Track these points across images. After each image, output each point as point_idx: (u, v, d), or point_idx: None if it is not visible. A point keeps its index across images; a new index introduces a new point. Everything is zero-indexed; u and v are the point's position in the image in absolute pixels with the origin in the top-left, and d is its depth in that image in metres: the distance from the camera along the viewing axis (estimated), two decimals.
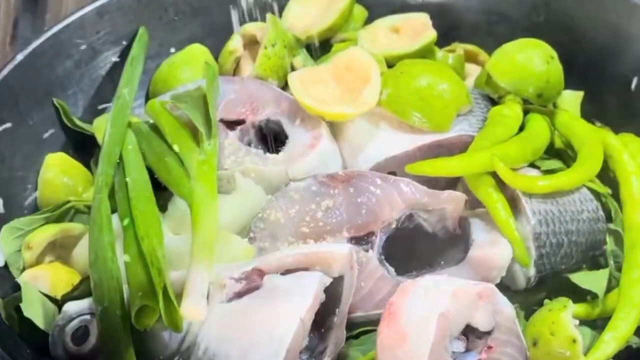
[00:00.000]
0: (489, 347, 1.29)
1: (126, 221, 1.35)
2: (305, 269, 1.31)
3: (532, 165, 1.48)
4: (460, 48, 1.66)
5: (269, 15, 1.60)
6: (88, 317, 1.34)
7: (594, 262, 1.48)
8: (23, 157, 1.52)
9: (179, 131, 1.44)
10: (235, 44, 1.62)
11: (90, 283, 1.33)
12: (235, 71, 1.63)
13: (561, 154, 1.52)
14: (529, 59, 1.52)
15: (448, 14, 1.68)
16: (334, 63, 1.51)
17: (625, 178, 1.45)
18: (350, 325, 1.38)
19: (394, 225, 1.40)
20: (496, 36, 1.65)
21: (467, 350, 1.30)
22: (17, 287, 1.42)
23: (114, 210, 1.39)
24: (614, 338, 1.35)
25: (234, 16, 1.64)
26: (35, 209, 1.52)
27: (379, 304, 1.37)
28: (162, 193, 1.42)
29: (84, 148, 1.58)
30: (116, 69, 1.61)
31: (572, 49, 1.61)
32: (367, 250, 1.39)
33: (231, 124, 1.50)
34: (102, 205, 1.38)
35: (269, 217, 1.41)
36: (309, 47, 1.64)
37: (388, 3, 1.68)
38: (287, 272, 1.32)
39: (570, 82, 1.58)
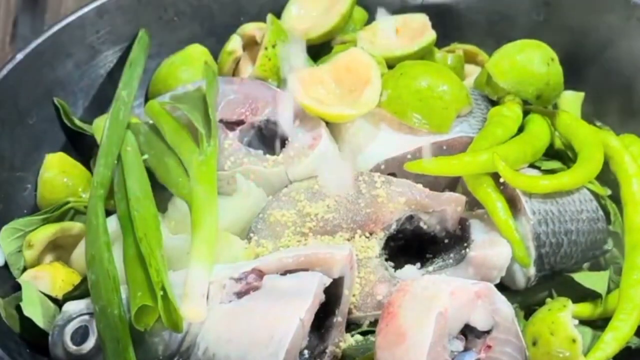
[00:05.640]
0: (488, 347, 1.29)
1: (125, 222, 1.35)
2: (305, 270, 1.31)
3: (532, 165, 1.48)
4: (459, 48, 1.66)
5: (269, 16, 1.60)
6: (87, 317, 1.34)
7: (594, 262, 1.48)
8: (23, 157, 1.52)
9: (178, 132, 1.44)
10: (234, 44, 1.62)
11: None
12: (235, 72, 1.63)
13: (561, 154, 1.52)
14: (529, 60, 1.52)
15: (448, 14, 1.68)
16: (334, 64, 1.51)
17: (626, 180, 1.45)
18: (350, 325, 1.38)
19: (394, 226, 1.41)
20: (496, 36, 1.64)
21: (466, 349, 1.30)
22: (17, 287, 1.43)
23: (113, 211, 1.40)
24: (614, 339, 1.35)
25: None
26: (34, 209, 1.52)
27: (378, 304, 1.37)
28: (161, 194, 1.42)
29: (84, 148, 1.58)
30: (116, 69, 1.61)
31: (572, 49, 1.61)
32: (367, 251, 1.39)
33: (231, 125, 1.50)
34: (98, 207, 1.38)
35: (269, 217, 1.41)
36: (308, 49, 1.64)
37: (388, 4, 1.68)
38: (286, 272, 1.32)
39: (571, 82, 1.57)
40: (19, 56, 1.52)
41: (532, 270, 1.42)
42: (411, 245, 1.44)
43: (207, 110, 1.44)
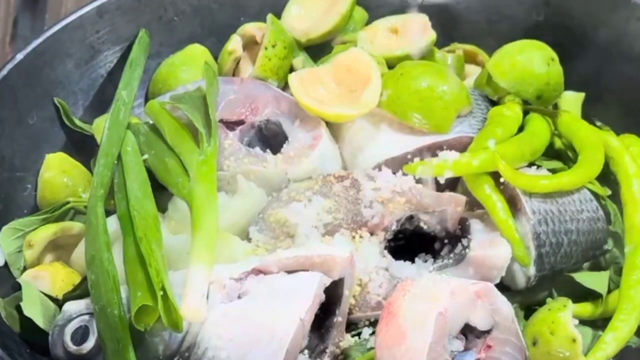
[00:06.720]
0: (488, 346, 1.29)
1: (125, 222, 1.35)
2: (305, 271, 1.31)
3: (532, 165, 1.48)
4: (459, 48, 1.66)
5: (269, 16, 1.60)
6: (87, 317, 1.34)
7: (594, 261, 1.48)
8: (23, 157, 1.52)
9: (178, 132, 1.44)
10: (234, 44, 1.62)
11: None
12: (235, 71, 1.63)
13: (561, 154, 1.52)
14: (530, 60, 1.52)
15: (448, 14, 1.68)
16: (335, 64, 1.51)
17: (627, 180, 1.45)
18: (350, 325, 1.38)
19: (394, 227, 1.40)
20: (496, 36, 1.64)
21: (466, 349, 1.30)
22: (17, 287, 1.43)
23: (113, 211, 1.40)
24: (615, 339, 1.36)
25: None
26: (35, 209, 1.52)
27: (378, 304, 1.37)
28: (162, 194, 1.42)
29: (84, 148, 1.58)
30: (116, 69, 1.61)
31: (572, 49, 1.61)
32: (367, 251, 1.39)
33: (231, 125, 1.50)
34: (98, 207, 1.38)
35: (269, 218, 1.41)
36: (308, 49, 1.64)
37: (388, 3, 1.68)
38: (286, 273, 1.32)
39: (570, 82, 1.57)
40: (19, 56, 1.52)
41: (532, 270, 1.42)
42: (411, 246, 1.44)
43: (207, 110, 1.44)
